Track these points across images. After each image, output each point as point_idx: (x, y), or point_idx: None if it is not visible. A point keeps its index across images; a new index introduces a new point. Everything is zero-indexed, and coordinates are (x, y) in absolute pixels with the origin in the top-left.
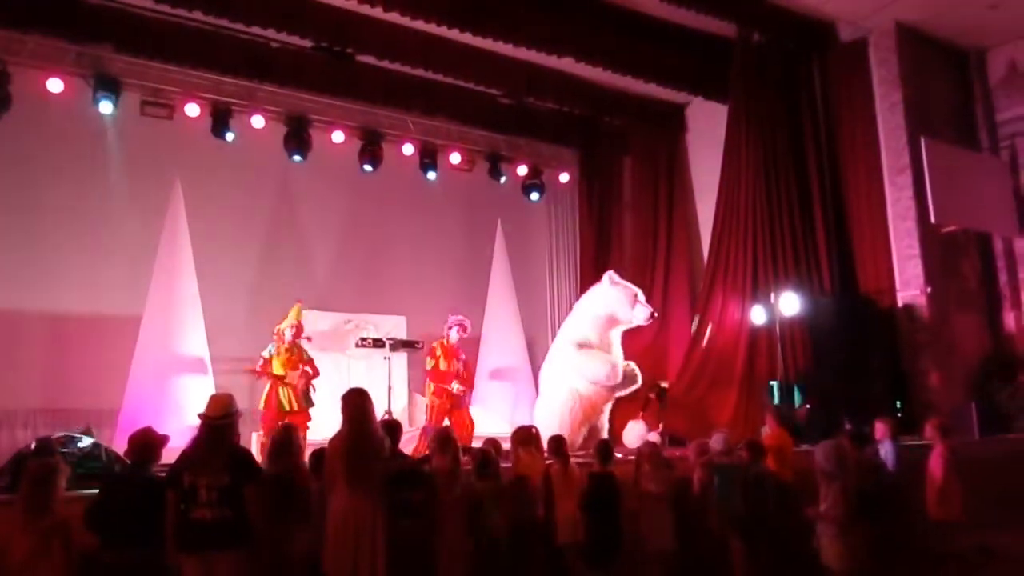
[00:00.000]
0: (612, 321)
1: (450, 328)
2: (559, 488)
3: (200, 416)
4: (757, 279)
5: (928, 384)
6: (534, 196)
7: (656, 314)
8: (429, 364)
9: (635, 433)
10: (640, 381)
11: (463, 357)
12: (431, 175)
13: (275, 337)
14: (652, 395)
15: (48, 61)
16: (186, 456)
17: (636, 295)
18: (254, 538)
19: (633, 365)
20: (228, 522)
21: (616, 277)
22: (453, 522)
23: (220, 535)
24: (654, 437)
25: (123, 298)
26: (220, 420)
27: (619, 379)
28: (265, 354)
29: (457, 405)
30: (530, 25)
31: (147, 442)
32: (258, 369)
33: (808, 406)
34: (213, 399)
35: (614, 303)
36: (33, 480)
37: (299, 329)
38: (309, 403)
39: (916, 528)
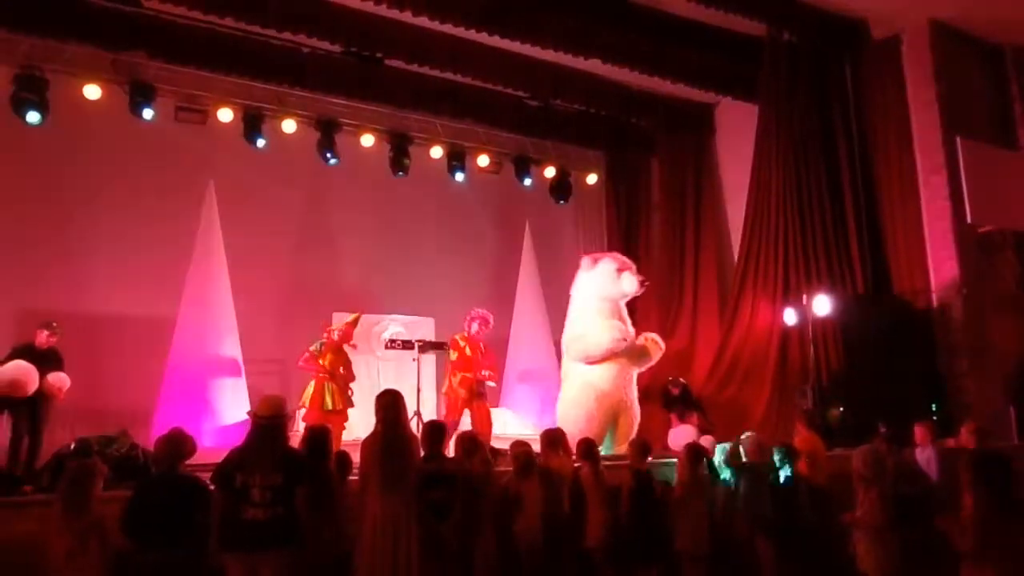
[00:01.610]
0: (604, 300)
1: (472, 321)
2: (589, 491)
3: (251, 415)
4: (788, 281)
5: (965, 387)
6: (561, 198)
7: (647, 282)
8: (453, 356)
9: (684, 436)
10: (661, 348)
11: (483, 348)
12: (459, 177)
13: (325, 336)
14: (675, 391)
15: (85, 68)
16: (236, 455)
17: (618, 267)
18: (303, 538)
19: (654, 335)
20: (280, 522)
21: (593, 257)
22: (489, 524)
23: (271, 535)
24: (707, 440)
25: (158, 300)
26: (272, 420)
27: (628, 337)
28: (313, 348)
29: (478, 397)
30: (557, 27)
31: (178, 442)
32: (302, 364)
33: (841, 409)
34: (264, 399)
35: (598, 282)
36: (72, 480)
37: (347, 334)
38: (349, 402)
39: (953, 534)
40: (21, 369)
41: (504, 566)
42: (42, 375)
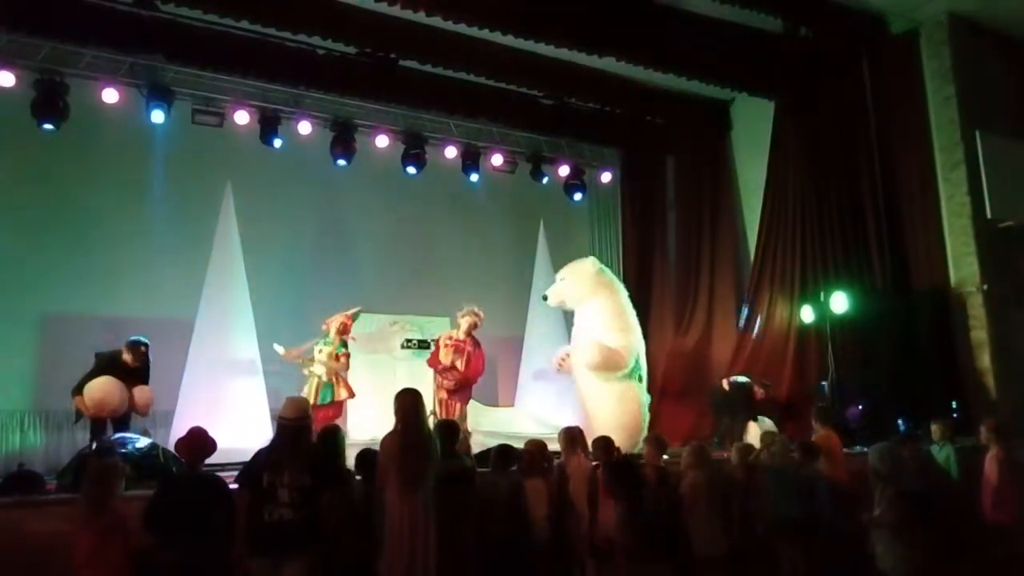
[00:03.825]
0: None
1: (462, 317)
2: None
3: (278, 418)
4: (806, 278)
5: (985, 384)
6: (576, 196)
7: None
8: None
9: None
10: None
11: (467, 350)
12: (474, 177)
13: (324, 328)
14: (762, 393)
15: (103, 72)
16: (263, 455)
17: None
18: (328, 539)
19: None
20: (306, 523)
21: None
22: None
23: (297, 536)
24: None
25: (177, 301)
26: (297, 421)
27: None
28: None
29: (452, 394)
30: (570, 25)
31: (199, 442)
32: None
33: (860, 407)
34: (290, 401)
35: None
36: (94, 479)
37: (346, 326)
38: (324, 397)
39: (972, 532)
40: (109, 389)
41: (514, 563)
42: (128, 389)
